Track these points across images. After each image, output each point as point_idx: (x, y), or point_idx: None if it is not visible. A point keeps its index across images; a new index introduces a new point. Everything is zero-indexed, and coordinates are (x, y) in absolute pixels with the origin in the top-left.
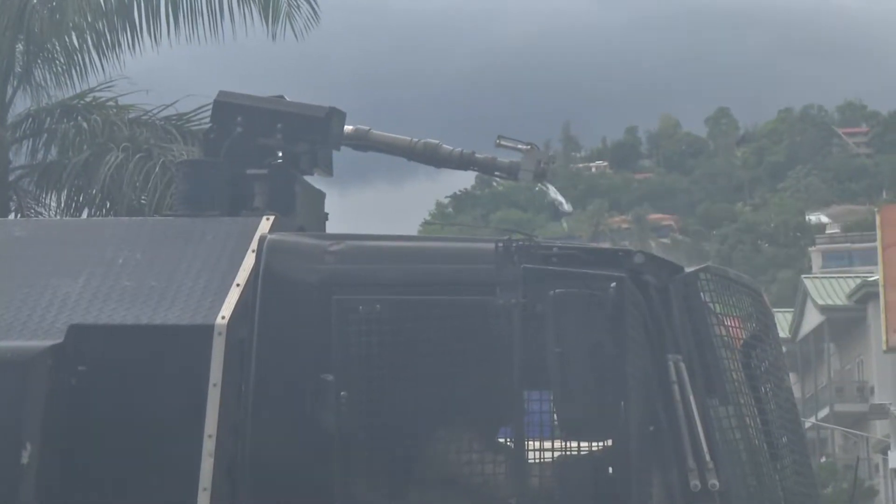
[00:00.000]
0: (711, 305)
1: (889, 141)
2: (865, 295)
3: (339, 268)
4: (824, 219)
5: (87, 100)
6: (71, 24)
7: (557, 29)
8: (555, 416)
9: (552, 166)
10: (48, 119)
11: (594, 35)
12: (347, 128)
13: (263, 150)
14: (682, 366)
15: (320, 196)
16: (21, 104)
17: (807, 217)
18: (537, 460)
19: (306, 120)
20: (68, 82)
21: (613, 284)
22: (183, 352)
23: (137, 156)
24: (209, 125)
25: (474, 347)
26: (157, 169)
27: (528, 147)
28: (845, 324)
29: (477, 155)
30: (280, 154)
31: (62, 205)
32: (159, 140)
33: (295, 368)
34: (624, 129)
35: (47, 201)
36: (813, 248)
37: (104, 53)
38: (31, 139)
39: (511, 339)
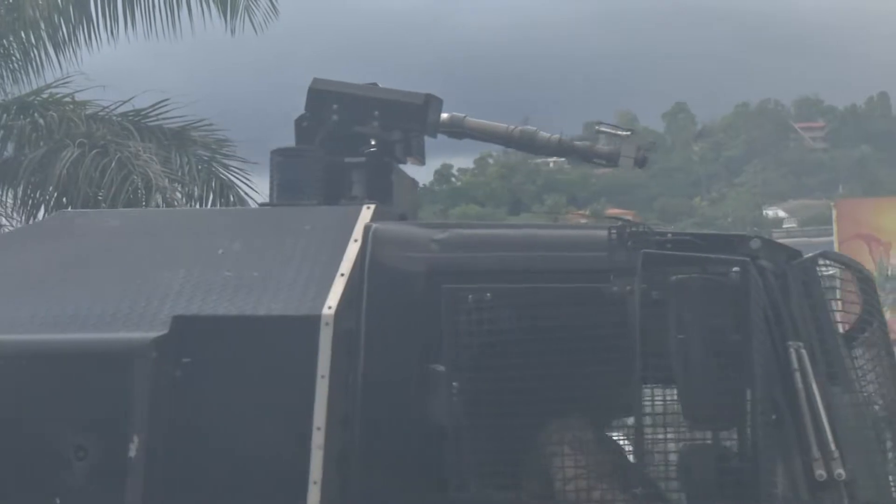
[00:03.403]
0: (829, 291)
1: (845, 136)
2: None
3: (447, 256)
4: (781, 213)
5: (44, 96)
6: (27, 19)
7: (516, 23)
8: (677, 404)
9: (652, 153)
10: (4, 116)
11: (552, 29)
12: (443, 115)
13: (359, 138)
14: (804, 353)
15: (414, 184)
16: None
17: (763, 211)
18: (660, 450)
19: (404, 107)
20: (24, 79)
21: (736, 269)
22: (289, 343)
23: (94, 151)
24: (302, 113)
25: (588, 336)
26: (113, 164)
27: (628, 133)
28: None
29: (575, 142)
30: (375, 142)
31: (18, 202)
32: (116, 136)
33: (404, 359)
34: (582, 125)
35: (3, 198)
36: None
37: (60, 49)
38: None
39: (628, 326)
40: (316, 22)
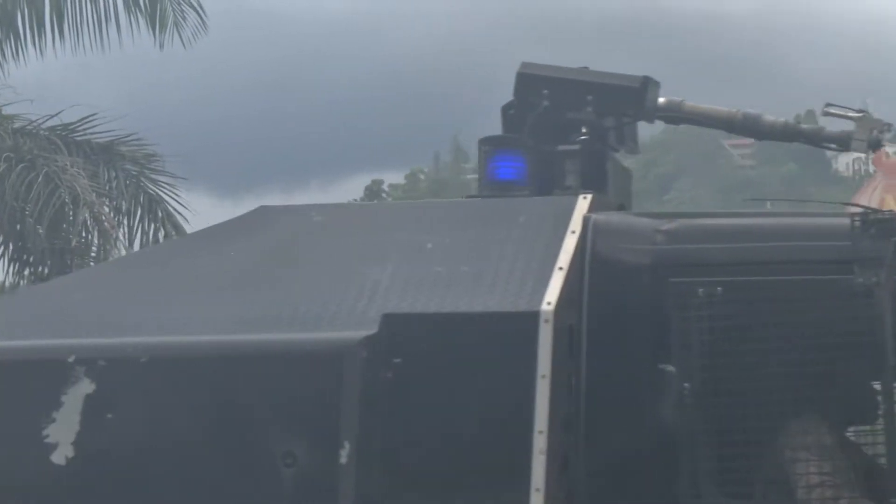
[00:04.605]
0: None
1: (772, 153)
2: None
3: (674, 248)
4: None
5: None
6: None
7: (450, 35)
8: None
9: (888, 135)
10: None
11: (485, 44)
12: (660, 99)
13: (570, 125)
14: None
15: (628, 174)
16: None
17: None
18: None
19: (620, 91)
20: None
21: None
22: (507, 341)
23: (20, 166)
24: (510, 100)
25: (831, 331)
26: (40, 179)
27: (861, 115)
28: None
29: (802, 126)
30: (586, 129)
31: None
32: (43, 150)
33: (630, 358)
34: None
35: None
36: None
37: None
38: None
39: (875, 320)
40: (247, 34)
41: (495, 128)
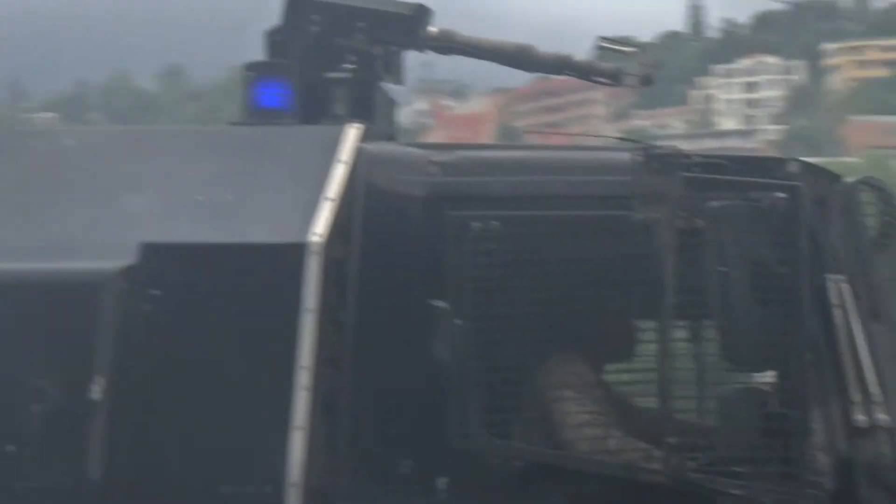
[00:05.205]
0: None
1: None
2: None
3: (449, 180)
4: None
5: None
6: None
7: None
8: (713, 344)
9: (658, 70)
10: None
11: None
12: (431, 29)
13: (340, 52)
14: (845, 287)
15: (394, 104)
16: None
17: None
18: (692, 395)
19: (392, 18)
20: None
21: (783, 195)
22: (272, 274)
23: None
24: (276, 25)
25: (608, 269)
26: None
27: (633, 50)
28: None
29: (575, 59)
30: (355, 57)
31: None
32: None
33: (401, 293)
34: (73, 82)
35: None
36: None
37: None
38: None
39: (652, 258)
40: None
41: (61, 69)
